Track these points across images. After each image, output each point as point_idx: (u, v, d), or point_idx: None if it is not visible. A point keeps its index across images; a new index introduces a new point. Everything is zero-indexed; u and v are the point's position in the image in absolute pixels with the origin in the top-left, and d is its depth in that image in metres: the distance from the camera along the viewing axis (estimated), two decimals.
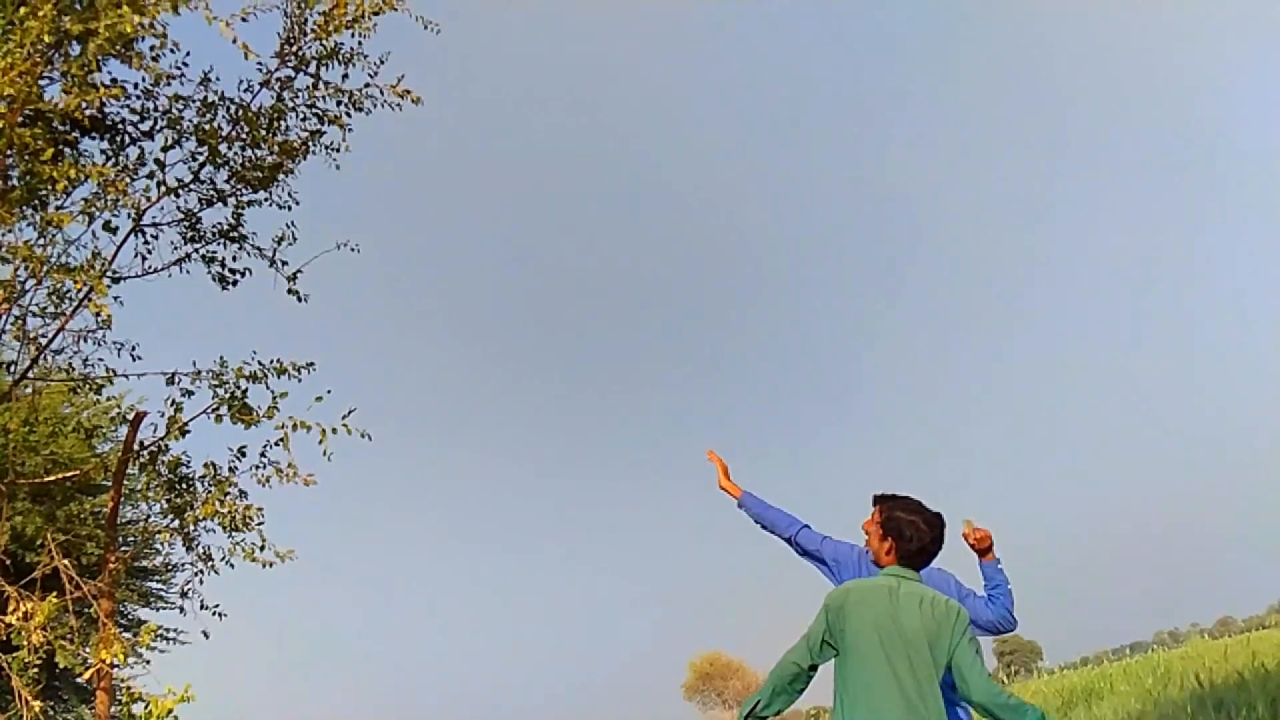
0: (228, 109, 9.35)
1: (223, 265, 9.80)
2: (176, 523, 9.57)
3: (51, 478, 11.50)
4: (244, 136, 9.35)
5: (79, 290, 8.59)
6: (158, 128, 9.28)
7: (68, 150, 8.75)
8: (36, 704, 8.38)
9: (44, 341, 9.41)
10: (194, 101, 9.28)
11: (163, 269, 9.61)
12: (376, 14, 9.25)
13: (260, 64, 9.12)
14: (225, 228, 9.74)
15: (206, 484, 9.51)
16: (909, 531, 4.97)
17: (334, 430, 9.21)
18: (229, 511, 9.28)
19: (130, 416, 9.91)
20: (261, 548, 9.35)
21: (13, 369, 9.63)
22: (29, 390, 10.20)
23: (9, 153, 8.02)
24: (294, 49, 9.35)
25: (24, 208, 8.55)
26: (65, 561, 9.10)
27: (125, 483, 10.57)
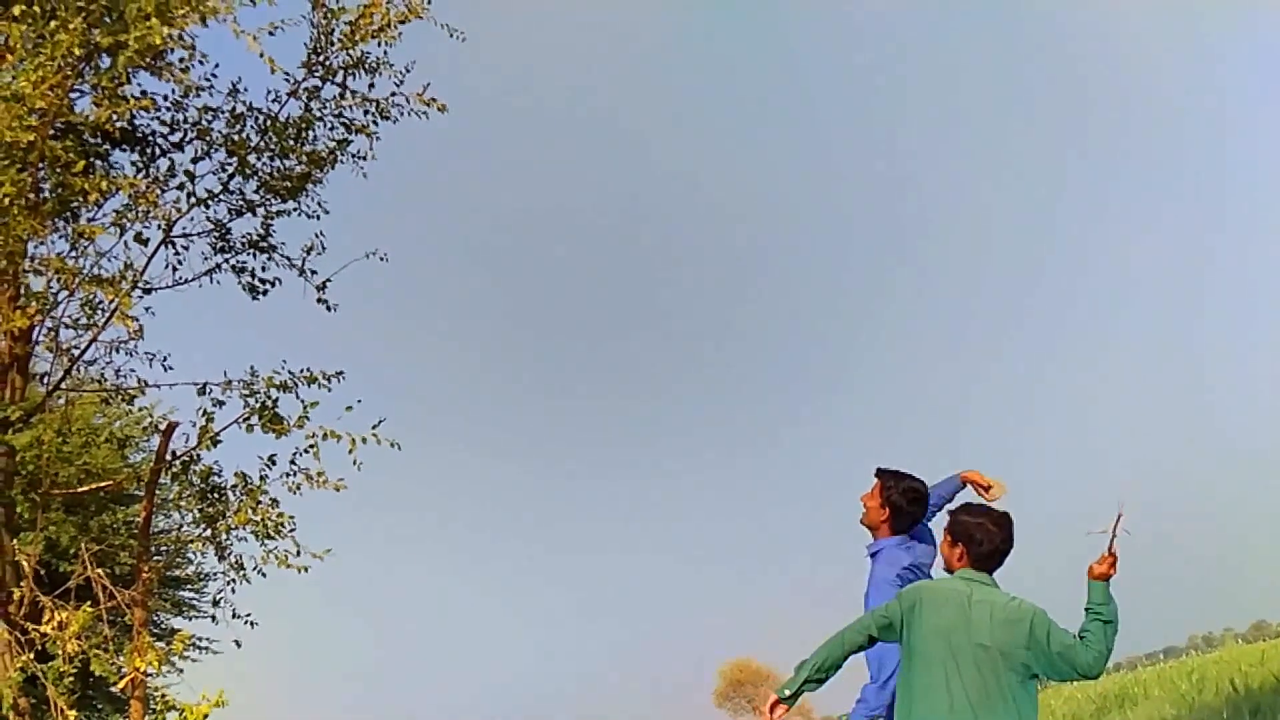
0: (256, 119, 9.41)
1: (253, 275, 9.86)
2: (209, 531, 9.60)
3: (85, 488, 11.56)
4: (272, 147, 9.39)
5: (110, 301, 8.64)
6: (187, 139, 9.35)
7: (99, 162, 8.82)
8: (72, 713, 8.42)
9: (76, 353, 9.48)
10: (223, 112, 9.36)
11: (193, 279, 9.68)
12: (402, 23, 9.29)
13: (288, 74, 9.19)
14: (255, 238, 9.79)
15: (238, 493, 9.54)
16: (979, 535, 4.87)
17: (363, 439, 9.24)
18: (261, 519, 9.31)
19: (162, 426, 9.96)
20: (296, 553, 9.39)
21: (46, 380, 9.71)
22: (62, 401, 10.26)
23: (40, 165, 8.08)
24: (321, 59, 9.40)
25: (56, 220, 8.63)
26: (99, 571, 9.15)
27: (158, 492, 10.64)
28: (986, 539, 4.88)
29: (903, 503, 5.63)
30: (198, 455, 9.56)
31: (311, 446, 9.38)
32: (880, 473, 5.73)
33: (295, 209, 9.77)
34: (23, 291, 8.53)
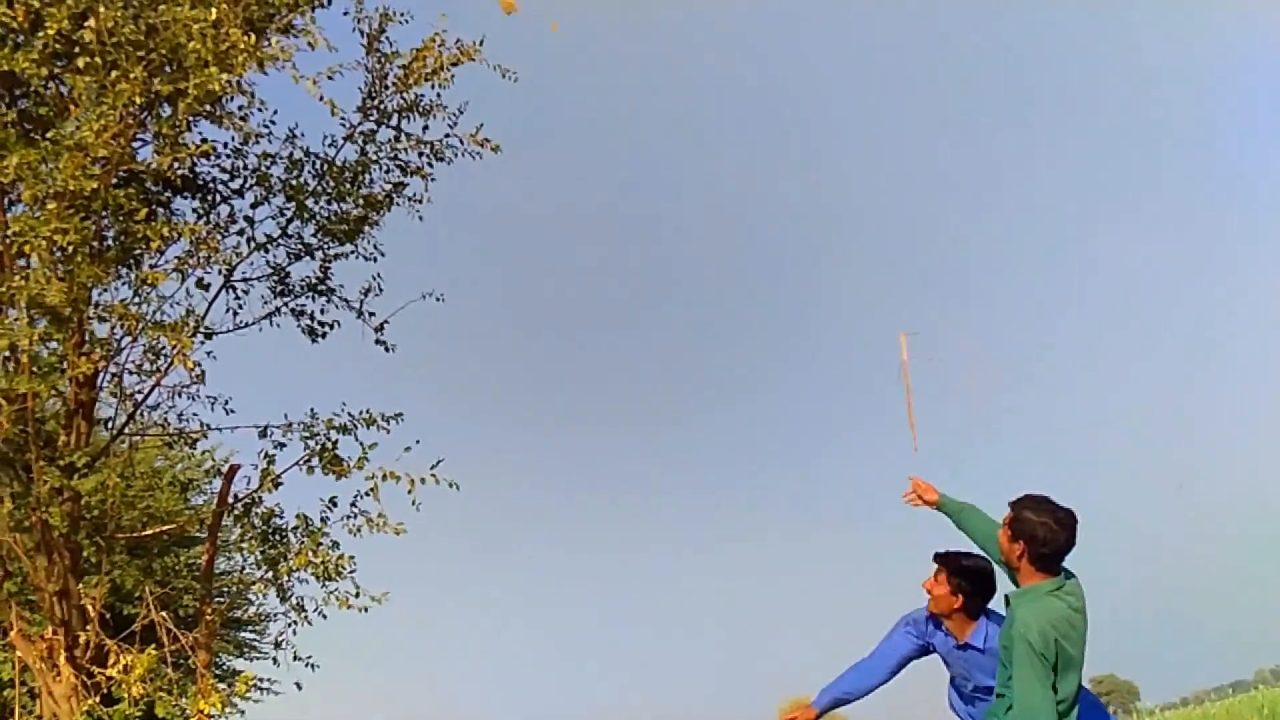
0: (313, 164, 9.52)
1: (311, 318, 9.95)
2: (270, 573, 9.63)
3: (148, 532, 11.69)
4: (330, 191, 9.49)
5: (173, 346, 8.74)
6: (247, 185, 9.48)
7: (160, 210, 8.95)
8: None
9: (140, 397, 9.59)
10: (281, 158, 9.48)
11: (253, 323, 9.80)
12: (455, 65, 9.37)
13: (343, 119, 9.29)
14: (313, 281, 9.89)
15: (299, 535, 9.57)
16: (1042, 533, 4.60)
17: (422, 480, 9.26)
18: (322, 561, 9.34)
19: (224, 469, 10.05)
20: (356, 594, 9.41)
21: (110, 425, 9.82)
22: (125, 446, 10.38)
23: (104, 213, 8.21)
24: (376, 103, 9.50)
25: (119, 267, 8.75)
26: (163, 614, 9.21)
27: (220, 535, 10.71)
28: (1050, 539, 4.61)
29: (972, 588, 5.41)
30: (259, 497, 9.63)
31: (372, 489, 9.41)
32: (940, 559, 5.52)
33: (353, 251, 9.86)
34: (87, 338, 8.63)
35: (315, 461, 9.54)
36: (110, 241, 8.60)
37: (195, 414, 10.01)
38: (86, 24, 7.83)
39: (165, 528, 12.28)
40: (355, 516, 9.54)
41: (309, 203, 9.43)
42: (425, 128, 9.65)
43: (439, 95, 9.53)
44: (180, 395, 9.90)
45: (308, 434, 9.61)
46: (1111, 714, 5.09)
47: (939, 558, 5.54)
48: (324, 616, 9.62)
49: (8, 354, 8.25)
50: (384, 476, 9.39)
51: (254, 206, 9.49)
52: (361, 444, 9.55)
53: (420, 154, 9.72)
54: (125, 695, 8.51)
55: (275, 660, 9.86)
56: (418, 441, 9.44)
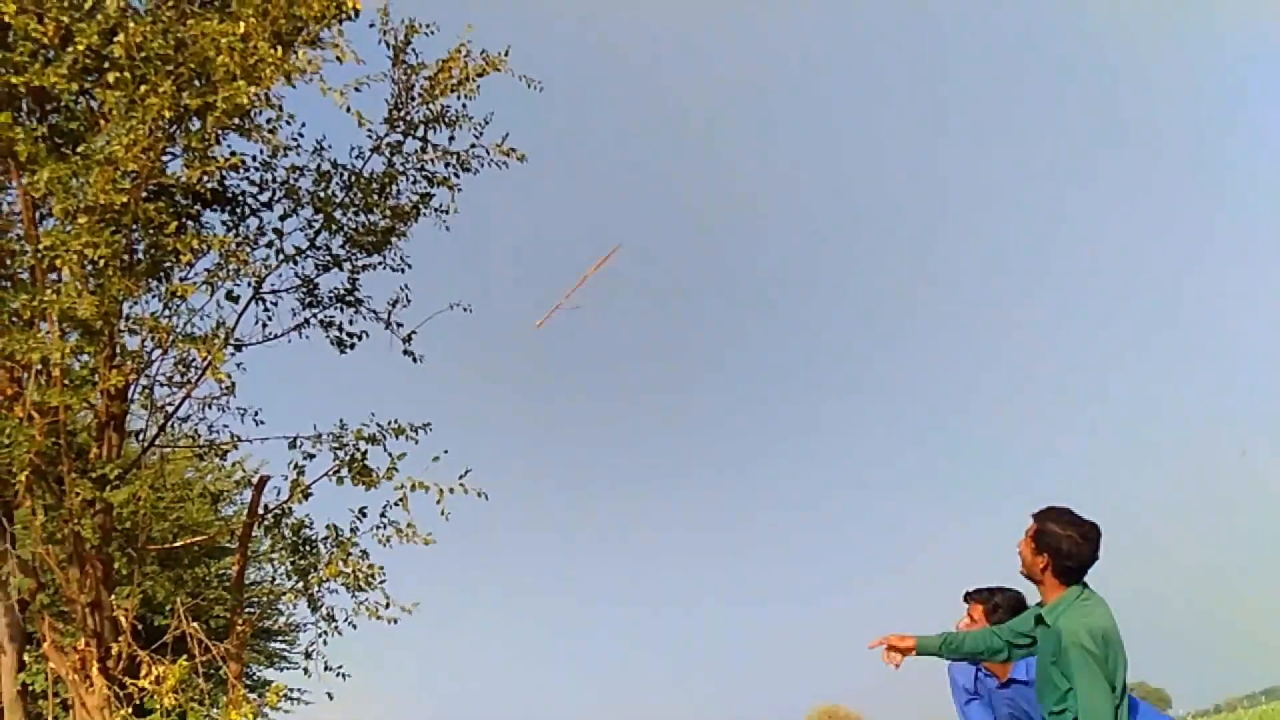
0: (341, 176, 9.57)
1: (340, 329, 10.01)
2: (301, 584, 9.66)
3: (180, 543, 11.76)
4: (357, 202, 9.53)
5: (203, 358, 8.79)
6: (276, 198, 9.54)
7: (190, 223, 9.00)
8: None
9: (171, 409, 9.65)
10: (309, 171, 9.53)
11: (283, 335, 9.86)
12: (480, 76, 9.39)
13: (370, 131, 9.33)
14: (341, 292, 9.95)
15: (329, 545, 9.60)
16: (1067, 546, 4.56)
17: (450, 490, 9.28)
18: (352, 571, 9.37)
19: (254, 480, 10.09)
20: (386, 605, 9.43)
21: (141, 437, 9.88)
22: (156, 457, 10.43)
23: (134, 227, 8.27)
24: (402, 114, 9.54)
25: (150, 280, 8.81)
26: (194, 625, 9.25)
27: (250, 545, 10.75)
28: (1075, 552, 4.57)
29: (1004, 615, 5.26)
30: (289, 508, 9.67)
31: (401, 499, 9.44)
32: (973, 597, 5.45)
33: (380, 263, 9.89)
34: (118, 351, 8.69)
35: (345, 472, 9.58)
36: (140, 255, 8.67)
37: (225, 425, 10.12)
38: (116, 39, 7.91)
39: (196, 539, 12.35)
40: (384, 526, 9.58)
41: (337, 214, 9.47)
42: (451, 138, 9.70)
43: (465, 106, 9.58)
44: (210, 407, 10.01)
45: (337, 444, 9.66)
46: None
47: (971, 596, 5.49)
48: (354, 626, 9.65)
49: (40, 367, 8.31)
50: (413, 486, 9.44)
51: (283, 219, 9.57)
52: (390, 454, 9.61)
53: (446, 164, 9.76)
54: (157, 706, 8.55)
55: (306, 670, 9.88)
56: (446, 451, 9.49)
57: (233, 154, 8.66)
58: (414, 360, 10.02)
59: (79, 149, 8.05)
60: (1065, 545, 4.61)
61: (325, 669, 9.82)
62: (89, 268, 8.14)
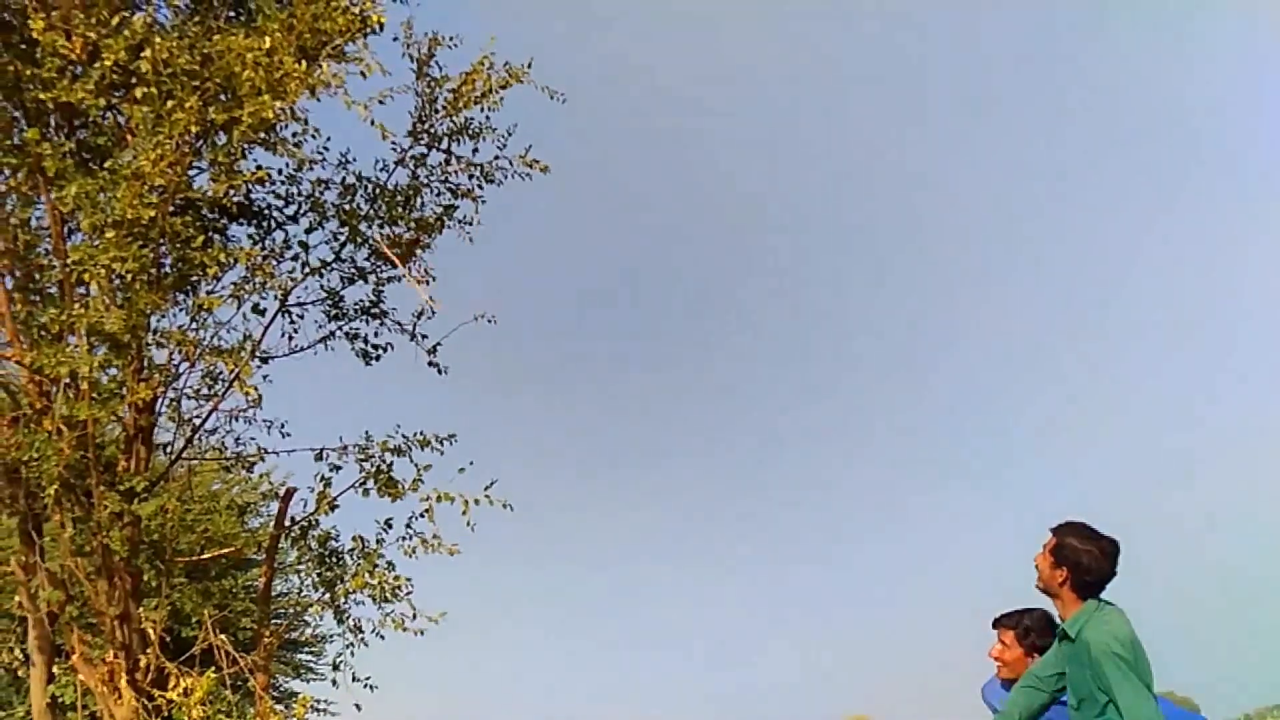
0: (366, 189, 9.60)
1: (365, 341, 10.03)
2: (327, 595, 9.69)
3: (207, 555, 11.80)
4: (382, 215, 9.56)
5: (230, 371, 8.83)
6: (301, 211, 9.58)
7: (217, 236, 9.06)
8: None
9: (198, 422, 9.69)
10: (334, 184, 9.57)
11: (309, 347, 9.90)
12: (504, 88, 9.42)
13: (394, 143, 9.36)
14: (367, 304, 9.97)
15: (355, 556, 9.63)
16: (1087, 560, 4.60)
17: (476, 501, 9.29)
18: (378, 583, 9.38)
19: (281, 492, 10.12)
20: (413, 617, 9.44)
21: (169, 450, 9.93)
22: (183, 470, 10.48)
23: (161, 241, 8.32)
24: (426, 126, 9.57)
25: (177, 293, 8.86)
26: (222, 637, 9.28)
27: (277, 557, 10.79)
28: (1095, 567, 4.61)
29: (1043, 643, 5.19)
30: (316, 520, 9.70)
31: (426, 510, 9.46)
32: (1002, 623, 5.45)
33: (405, 275, 9.91)
34: (146, 364, 8.75)
35: (370, 484, 9.61)
36: (168, 268, 8.71)
37: (252, 438, 10.15)
38: (143, 55, 7.97)
39: (223, 551, 12.41)
40: (410, 538, 9.59)
41: (362, 227, 9.51)
42: (475, 150, 9.72)
43: (488, 118, 9.60)
44: (237, 419, 10.04)
45: (363, 456, 9.69)
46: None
47: (1000, 623, 5.46)
48: (381, 638, 9.66)
49: (69, 381, 8.36)
50: (438, 498, 9.45)
51: (308, 232, 9.60)
52: (416, 465, 9.65)
53: (470, 176, 9.78)
54: (185, 718, 8.57)
55: (334, 682, 9.89)
56: (471, 463, 9.52)
57: (258, 168, 8.71)
58: (439, 372, 10.04)
59: (106, 164, 8.11)
60: (1086, 560, 4.66)
61: (353, 680, 9.84)
62: (117, 282, 8.20)
